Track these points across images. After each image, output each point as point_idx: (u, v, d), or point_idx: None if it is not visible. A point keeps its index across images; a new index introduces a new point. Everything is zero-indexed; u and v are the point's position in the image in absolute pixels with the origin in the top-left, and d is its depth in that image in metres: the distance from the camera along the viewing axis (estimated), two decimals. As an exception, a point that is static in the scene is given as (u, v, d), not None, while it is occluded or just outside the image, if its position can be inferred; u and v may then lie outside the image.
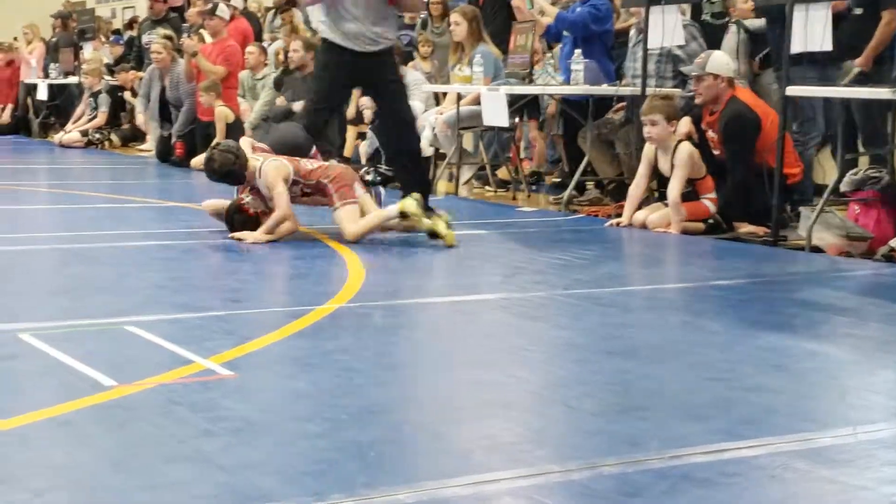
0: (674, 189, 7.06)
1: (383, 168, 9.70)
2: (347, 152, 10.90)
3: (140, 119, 13.48)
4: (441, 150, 9.82)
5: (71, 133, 14.24)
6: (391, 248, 6.49)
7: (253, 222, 6.46)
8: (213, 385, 3.35)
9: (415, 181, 6.84)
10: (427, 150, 9.43)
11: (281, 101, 10.99)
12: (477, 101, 9.15)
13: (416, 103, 9.69)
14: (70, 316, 4.30)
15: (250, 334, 4.02)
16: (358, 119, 11.21)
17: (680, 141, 7.17)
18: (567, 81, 8.63)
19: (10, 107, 16.84)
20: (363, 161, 10.04)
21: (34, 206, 8.51)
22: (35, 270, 5.62)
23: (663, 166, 7.26)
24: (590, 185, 9.20)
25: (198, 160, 8.09)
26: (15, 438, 2.83)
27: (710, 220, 7.12)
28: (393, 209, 6.58)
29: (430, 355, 3.90)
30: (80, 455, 2.72)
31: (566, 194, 8.47)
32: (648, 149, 7.34)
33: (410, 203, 6.46)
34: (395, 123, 6.89)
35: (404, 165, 6.94)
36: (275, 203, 6.40)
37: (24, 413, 3.02)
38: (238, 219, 6.50)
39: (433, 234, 6.49)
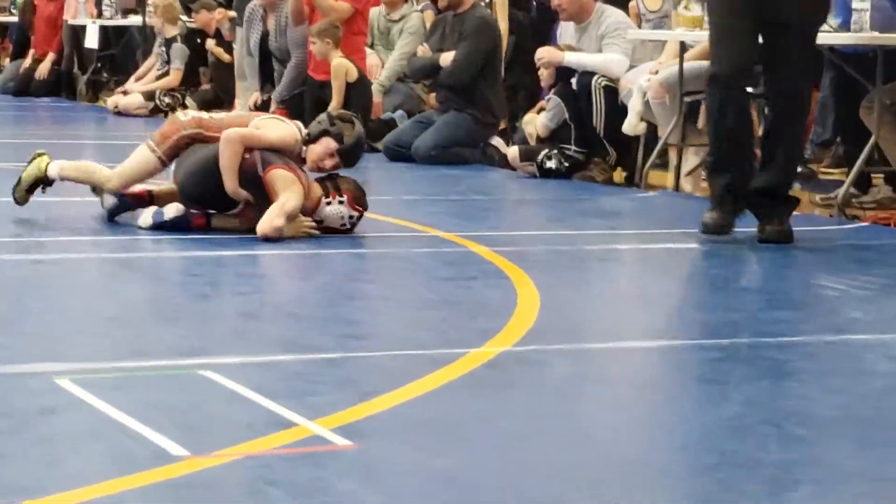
0: None
1: (572, 150, 9.74)
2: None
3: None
4: (655, 125, 9.77)
5: (131, 96, 14.37)
6: (579, 268, 6.48)
7: None
8: (322, 459, 3.41)
9: None
10: (636, 126, 9.38)
11: (423, 50, 10.85)
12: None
13: (617, 56, 9.69)
14: (124, 355, 4.42)
15: (375, 388, 4.06)
16: None
17: None
18: (845, 26, 8.50)
19: (50, 56, 16.82)
20: (532, 142, 9.99)
21: (75, 199, 8.74)
22: (77, 289, 5.78)
23: None
24: (877, 178, 9.03)
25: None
26: (48, 526, 2.93)
27: None
28: None
29: (625, 426, 3.88)
30: (136, 553, 2.80)
31: (842, 192, 8.33)
32: None
33: None
34: None
35: None
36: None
37: (61, 491, 3.09)
38: None
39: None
